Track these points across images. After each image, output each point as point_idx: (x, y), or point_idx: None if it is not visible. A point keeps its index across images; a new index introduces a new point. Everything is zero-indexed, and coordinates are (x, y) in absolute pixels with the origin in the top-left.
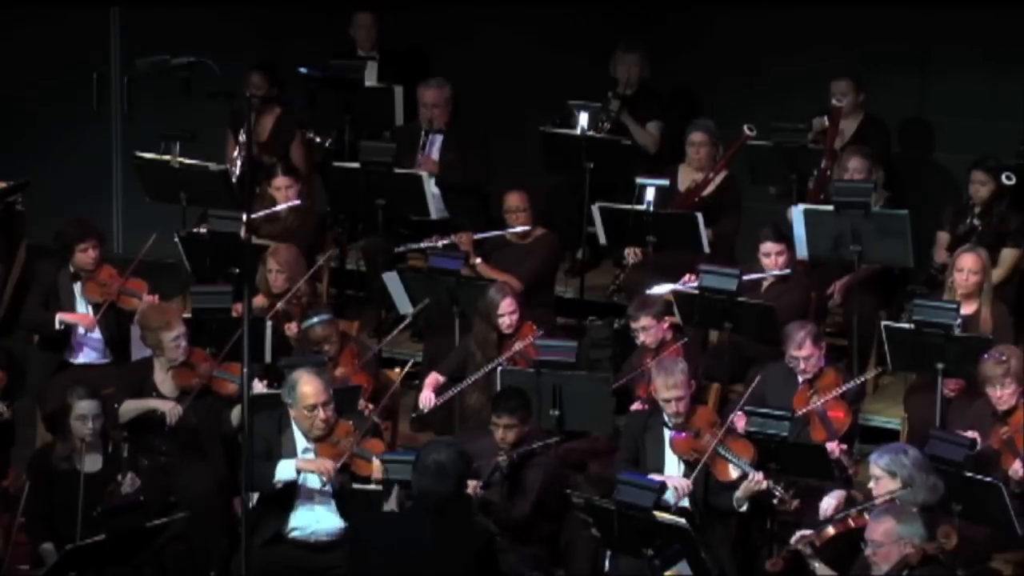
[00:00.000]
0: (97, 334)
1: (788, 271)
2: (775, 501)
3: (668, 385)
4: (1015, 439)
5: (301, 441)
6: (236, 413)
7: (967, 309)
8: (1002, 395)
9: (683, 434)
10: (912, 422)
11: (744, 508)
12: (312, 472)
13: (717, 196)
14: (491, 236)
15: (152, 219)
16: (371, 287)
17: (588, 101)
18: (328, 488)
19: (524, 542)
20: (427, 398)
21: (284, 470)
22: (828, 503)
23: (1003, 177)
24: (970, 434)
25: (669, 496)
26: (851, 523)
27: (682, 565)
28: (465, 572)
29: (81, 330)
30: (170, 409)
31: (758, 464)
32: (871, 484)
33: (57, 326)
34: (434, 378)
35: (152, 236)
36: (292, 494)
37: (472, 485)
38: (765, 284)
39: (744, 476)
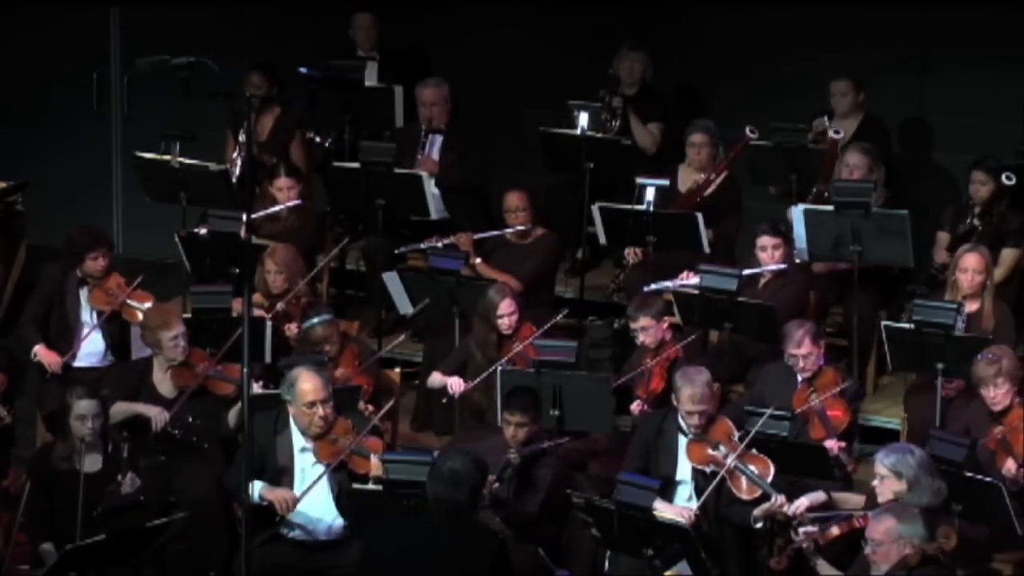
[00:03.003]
0: (100, 344)
1: (784, 265)
2: (795, 523)
3: (694, 399)
4: (1009, 439)
5: (299, 440)
6: (233, 414)
7: (970, 307)
8: (995, 395)
9: (700, 443)
10: (912, 422)
11: (760, 525)
12: (272, 501)
13: (717, 197)
14: (491, 236)
15: (152, 219)
16: (371, 287)
17: (588, 101)
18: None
19: (528, 540)
20: (457, 382)
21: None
22: (801, 502)
23: (1003, 177)
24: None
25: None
26: (856, 523)
27: (682, 565)
28: None
29: (52, 363)
30: (156, 415)
31: (777, 476)
32: (875, 483)
33: (32, 357)
34: (439, 375)
35: (140, 277)
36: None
37: (487, 481)
38: (762, 280)
39: (761, 493)
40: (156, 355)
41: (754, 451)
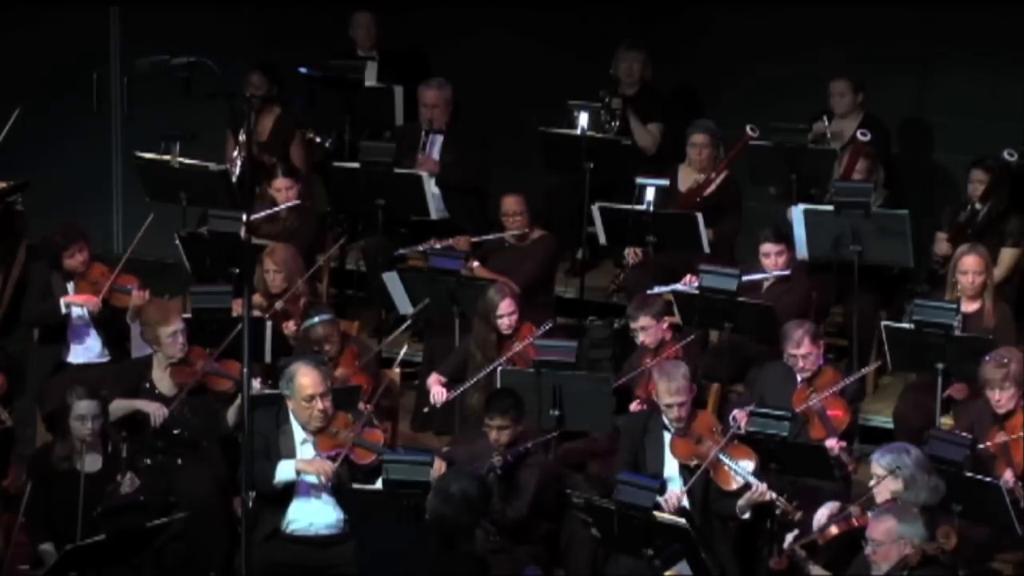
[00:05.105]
0: (94, 339)
1: (788, 272)
2: (778, 512)
3: (671, 391)
4: (1010, 446)
5: (300, 434)
6: (232, 412)
7: (971, 307)
8: (1001, 398)
9: (684, 438)
10: (897, 422)
11: (747, 516)
12: (311, 473)
13: (717, 197)
14: (489, 239)
15: (152, 219)
16: (371, 287)
17: (588, 101)
18: (329, 485)
19: (522, 541)
20: (439, 392)
21: (284, 471)
22: (822, 513)
23: (1005, 153)
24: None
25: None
26: (854, 522)
27: (682, 565)
28: None
29: (84, 312)
30: (155, 410)
31: (760, 467)
32: (872, 483)
33: (63, 310)
34: (436, 378)
35: (150, 216)
36: (289, 488)
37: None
38: (766, 285)
39: (746, 485)
40: (156, 353)
41: (737, 442)
